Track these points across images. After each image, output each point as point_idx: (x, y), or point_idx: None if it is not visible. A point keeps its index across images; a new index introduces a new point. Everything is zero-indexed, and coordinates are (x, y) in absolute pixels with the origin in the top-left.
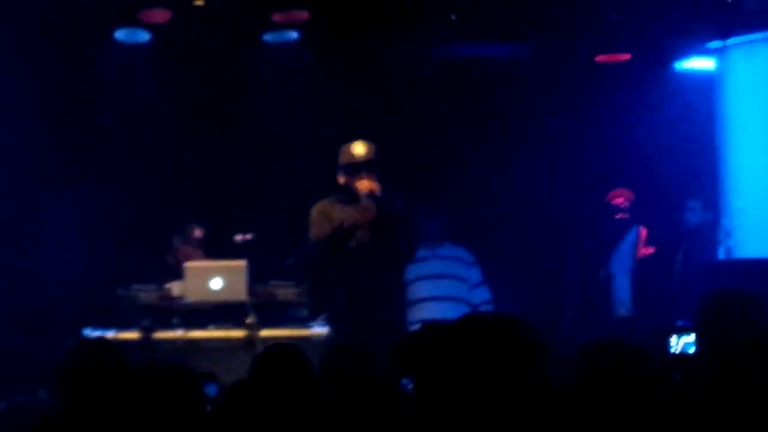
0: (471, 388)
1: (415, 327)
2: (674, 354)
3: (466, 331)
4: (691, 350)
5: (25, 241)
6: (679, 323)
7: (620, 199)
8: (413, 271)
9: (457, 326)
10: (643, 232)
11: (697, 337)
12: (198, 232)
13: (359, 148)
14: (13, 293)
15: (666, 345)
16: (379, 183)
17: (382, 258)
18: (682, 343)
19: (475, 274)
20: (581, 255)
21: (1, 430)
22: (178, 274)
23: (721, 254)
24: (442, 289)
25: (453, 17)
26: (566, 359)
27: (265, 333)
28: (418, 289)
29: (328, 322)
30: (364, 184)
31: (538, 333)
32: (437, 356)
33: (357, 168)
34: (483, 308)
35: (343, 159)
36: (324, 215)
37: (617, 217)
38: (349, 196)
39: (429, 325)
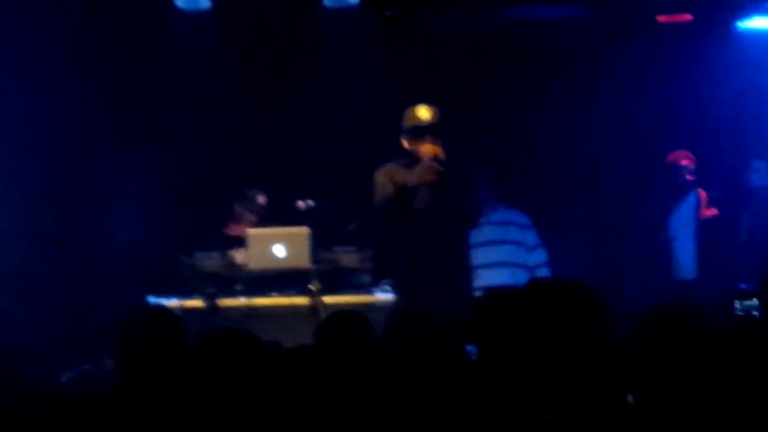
0: (537, 354)
1: (475, 293)
2: (739, 316)
3: (532, 296)
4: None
5: (86, 207)
6: (743, 286)
7: (686, 161)
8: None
9: (523, 292)
10: (703, 194)
11: (761, 299)
12: (261, 199)
13: (423, 112)
14: (76, 260)
15: (730, 307)
16: (443, 147)
17: (446, 222)
18: (746, 305)
19: (530, 237)
20: (643, 217)
21: (70, 399)
22: (241, 241)
23: None
24: (497, 254)
25: None
26: (631, 323)
27: (328, 300)
28: (475, 256)
29: (393, 287)
30: (428, 148)
31: (603, 298)
32: (503, 323)
33: (421, 132)
34: (539, 271)
35: (407, 123)
36: (388, 178)
37: (686, 178)
38: (413, 159)
39: (492, 292)
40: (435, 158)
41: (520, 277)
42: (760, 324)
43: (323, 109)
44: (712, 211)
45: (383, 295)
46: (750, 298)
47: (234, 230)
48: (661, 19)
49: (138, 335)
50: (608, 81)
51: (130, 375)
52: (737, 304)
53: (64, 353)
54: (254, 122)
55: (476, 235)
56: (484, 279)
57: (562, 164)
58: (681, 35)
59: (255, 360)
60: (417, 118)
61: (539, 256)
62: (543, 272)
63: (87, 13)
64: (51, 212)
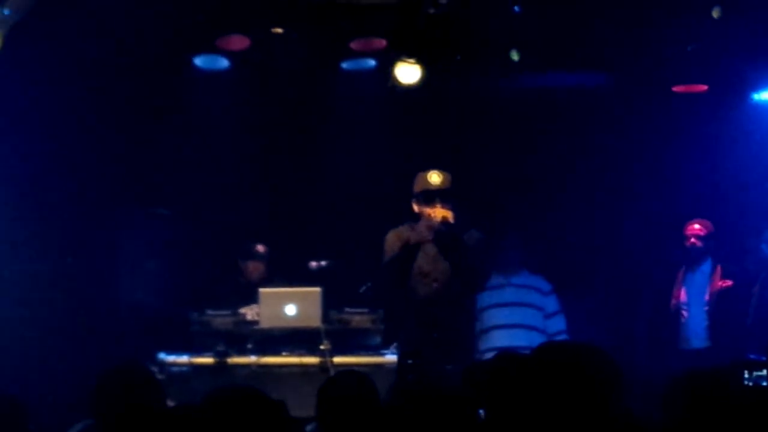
0: (547, 418)
1: (488, 354)
2: (747, 386)
3: (543, 359)
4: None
5: (101, 263)
6: (753, 357)
7: (696, 226)
8: (488, 298)
9: (535, 355)
10: (718, 265)
11: None
12: (260, 247)
13: (435, 177)
14: (88, 316)
15: (740, 378)
16: (454, 212)
17: (452, 284)
18: (755, 376)
19: (551, 304)
20: (655, 285)
21: None
22: (250, 294)
23: None
24: (515, 316)
25: (514, 58)
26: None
27: (338, 360)
28: (492, 317)
29: (398, 348)
30: (438, 212)
31: (615, 363)
32: (513, 384)
33: (432, 196)
34: (558, 338)
35: (418, 186)
36: (397, 238)
37: (689, 243)
38: (429, 223)
39: (504, 354)
40: (444, 221)
41: (536, 341)
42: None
43: (338, 170)
44: (727, 283)
45: (393, 357)
46: (760, 369)
47: (243, 282)
48: (677, 89)
49: (111, 394)
50: (625, 148)
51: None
52: (746, 374)
53: (74, 407)
54: (269, 181)
55: (495, 296)
56: (501, 340)
57: (580, 231)
58: (697, 105)
59: (262, 418)
60: (428, 183)
61: (558, 323)
62: (562, 339)
63: (108, 71)
64: (66, 267)
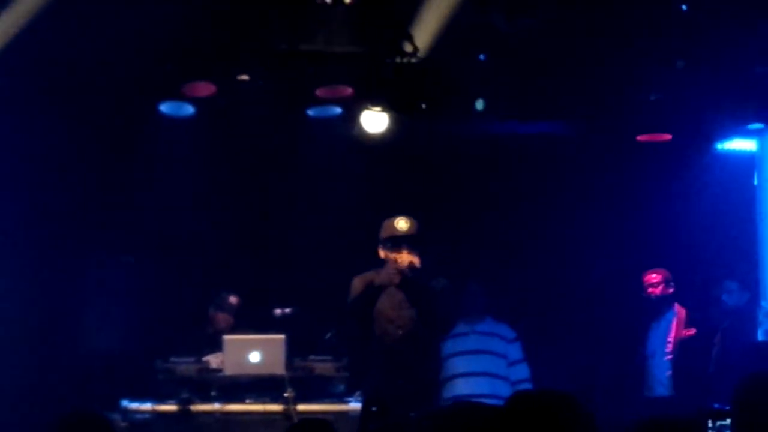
0: None
1: (448, 403)
2: None
3: (518, 409)
4: None
5: (65, 309)
6: (717, 406)
7: (652, 276)
8: (451, 346)
9: (509, 404)
10: (682, 312)
11: (733, 420)
12: (233, 299)
13: (402, 223)
14: (51, 361)
15: (704, 427)
16: (420, 259)
17: (417, 331)
18: (719, 426)
19: (514, 351)
20: (620, 333)
21: None
22: (216, 342)
23: (761, 336)
24: (478, 365)
25: (479, 107)
26: None
27: (302, 407)
28: (456, 365)
29: (363, 394)
30: (405, 257)
31: (588, 412)
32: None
33: (398, 242)
34: (521, 386)
35: (385, 233)
36: (361, 283)
37: (646, 293)
38: (394, 269)
39: (458, 403)
40: (410, 266)
41: (499, 389)
42: None
43: (304, 217)
44: (690, 331)
45: (357, 404)
46: (724, 418)
47: (210, 332)
48: (641, 138)
49: None
50: (589, 196)
51: None
52: (710, 424)
53: None
54: (234, 227)
55: (458, 344)
56: (464, 388)
57: (544, 278)
58: (661, 154)
59: None
60: (395, 229)
61: (522, 371)
62: (525, 387)
63: (73, 116)
64: (30, 313)
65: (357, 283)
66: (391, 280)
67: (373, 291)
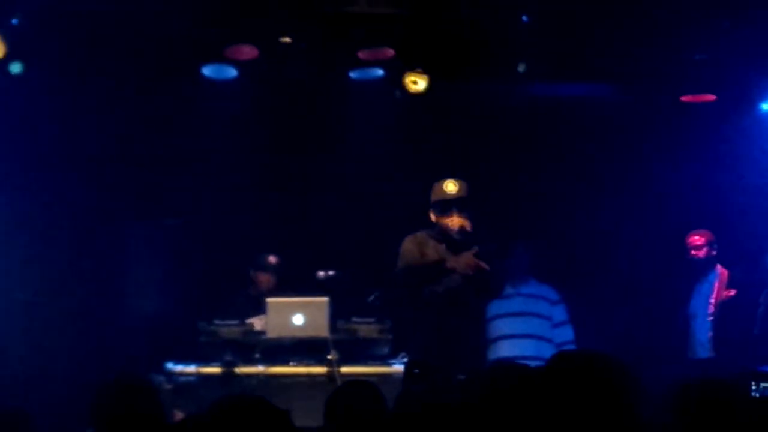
0: (564, 426)
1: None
2: (755, 397)
3: (561, 368)
4: None
5: (110, 273)
6: (760, 368)
7: (694, 237)
8: (496, 308)
9: (551, 363)
10: (724, 273)
11: None
12: (272, 259)
13: (451, 186)
14: (97, 326)
15: (747, 389)
16: (470, 221)
17: (463, 295)
18: (762, 387)
19: (558, 313)
20: (664, 296)
21: None
22: (259, 304)
23: None
24: (523, 326)
25: (521, 69)
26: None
27: (345, 370)
28: (500, 327)
29: (409, 357)
30: (455, 221)
31: (631, 372)
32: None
33: (448, 205)
34: (565, 347)
35: (434, 196)
36: (416, 247)
37: (689, 256)
38: (441, 233)
39: (498, 363)
40: (461, 230)
41: (544, 351)
42: None
43: (347, 180)
44: (730, 292)
45: (401, 367)
46: (767, 380)
47: (254, 294)
48: (685, 98)
49: (110, 405)
50: (633, 158)
51: None
52: (753, 386)
53: (79, 417)
54: (277, 191)
55: (503, 306)
56: (509, 350)
57: (588, 240)
58: (705, 115)
59: (267, 427)
60: (444, 192)
61: (566, 333)
62: (570, 348)
63: (114, 82)
64: (74, 277)
65: (409, 247)
66: (465, 271)
67: (441, 270)
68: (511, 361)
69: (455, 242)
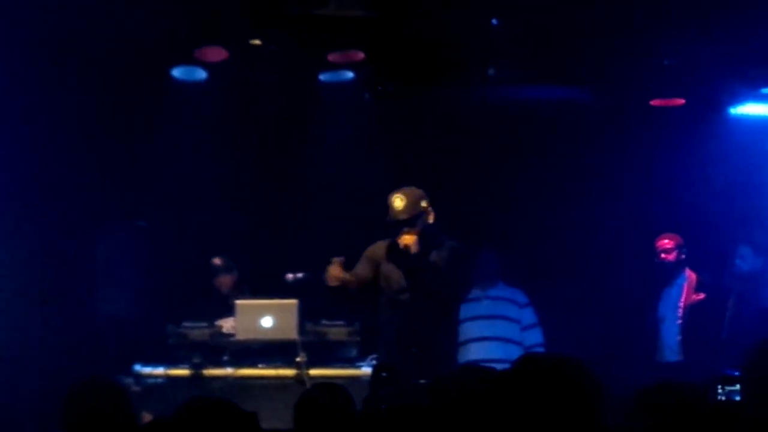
0: (529, 429)
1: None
2: (720, 401)
3: (526, 370)
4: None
5: (78, 275)
6: (728, 372)
7: (664, 241)
8: (465, 311)
9: (517, 365)
10: (692, 277)
11: (743, 385)
12: (217, 261)
13: (396, 204)
14: (65, 327)
15: (713, 392)
16: (418, 236)
17: (425, 302)
18: (728, 391)
19: (527, 316)
20: (632, 299)
21: None
22: (227, 307)
23: None
24: (491, 329)
25: (491, 72)
26: (617, 402)
27: (314, 372)
28: (469, 330)
29: (377, 361)
30: (404, 240)
31: (596, 375)
32: (482, 396)
33: (396, 225)
34: (535, 350)
35: (388, 214)
36: (375, 258)
37: (659, 259)
38: (395, 248)
39: (466, 366)
40: (406, 248)
41: (513, 353)
42: (740, 407)
43: (316, 182)
44: (699, 296)
45: (369, 370)
46: (733, 383)
47: (219, 293)
48: (655, 102)
49: (79, 407)
50: (602, 161)
51: None
52: (720, 389)
53: (47, 417)
54: (246, 192)
55: (472, 309)
56: (478, 353)
57: (556, 243)
58: (674, 119)
59: (234, 429)
60: (391, 213)
61: (535, 336)
62: (539, 351)
63: (86, 82)
64: (42, 277)
65: (366, 256)
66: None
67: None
68: (477, 364)
69: (410, 263)
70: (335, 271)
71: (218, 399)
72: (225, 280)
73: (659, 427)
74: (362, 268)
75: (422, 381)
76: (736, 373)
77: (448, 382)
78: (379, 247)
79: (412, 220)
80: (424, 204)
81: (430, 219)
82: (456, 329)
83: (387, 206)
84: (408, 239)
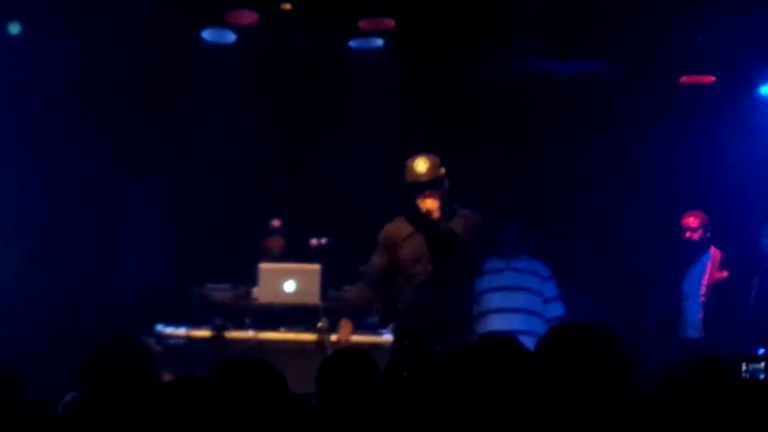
0: (560, 400)
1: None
2: (745, 379)
3: (561, 338)
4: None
5: (103, 234)
6: (753, 350)
7: (690, 219)
8: (487, 282)
9: (551, 334)
10: (717, 255)
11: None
12: (276, 222)
13: (420, 167)
14: (87, 285)
15: (738, 370)
16: (440, 201)
17: (446, 270)
18: (752, 369)
19: (550, 289)
20: (657, 276)
21: (73, 416)
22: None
23: None
24: (514, 300)
25: (521, 44)
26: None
27: (335, 337)
28: (490, 300)
29: (394, 331)
30: (426, 204)
31: (626, 346)
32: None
33: (419, 187)
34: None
35: (406, 177)
36: (388, 243)
37: (684, 237)
38: (418, 217)
39: (488, 335)
40: (428, 213)
41: (535, 325)
42: (765, 386)
43: (343, 149)
44: (722, 274)
45: (391, 336)
46: (758, 361)
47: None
48: (684, 80)
49: (99, 365)
50: (630, 137)
51: (97, 406)
52: (744, 367)
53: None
54: (274, 157)
55: (494, 280)
56: (499, 324)
57: (581, 218)
58: (704, 97)
59: (269, 391)
60: (413, 174)
61: (557, 309)
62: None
63: (114, 44)
64: (66, 238)
65: (382, 243)
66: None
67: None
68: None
69: (433, 228)
70: (344, 336)
71: (252, 360)
72: (278, 242)
73: (689, 402)
74: (379, 257)
75: (438, 348)
76: (761, 351)
77: (472, 350)
78: (394, 226)
79: (436, 181)
80: (443, 170)
81: (446, 186)
82: (471, 298)
83: (405, 170)
84: (431, 203)
